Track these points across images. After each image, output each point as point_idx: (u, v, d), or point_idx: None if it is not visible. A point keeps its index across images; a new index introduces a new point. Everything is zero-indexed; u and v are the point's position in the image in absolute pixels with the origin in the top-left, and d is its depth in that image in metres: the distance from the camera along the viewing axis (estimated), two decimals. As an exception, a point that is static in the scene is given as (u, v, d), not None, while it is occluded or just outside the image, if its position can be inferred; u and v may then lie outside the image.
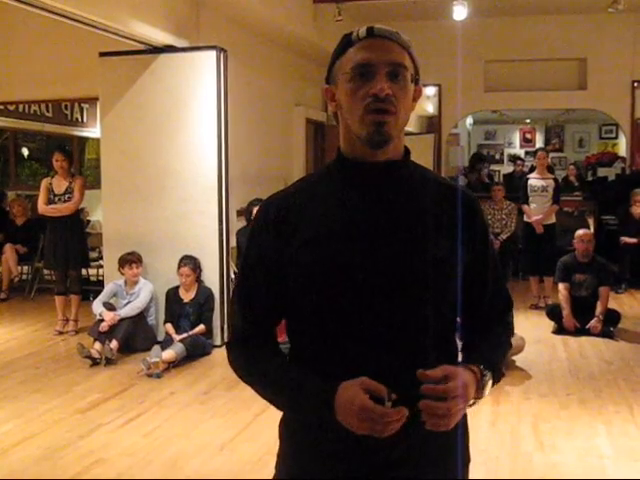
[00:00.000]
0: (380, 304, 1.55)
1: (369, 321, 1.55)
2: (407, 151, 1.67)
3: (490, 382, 1.57)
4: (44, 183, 7.47)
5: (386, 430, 1.43)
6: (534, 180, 8.73)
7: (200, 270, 6.72)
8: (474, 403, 1.56)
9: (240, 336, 1.69)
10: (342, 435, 1.50)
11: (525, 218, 8.78)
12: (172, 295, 6.74)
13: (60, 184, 7.39)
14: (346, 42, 1.60)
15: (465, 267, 1.62)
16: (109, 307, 6.65)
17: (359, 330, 1.55)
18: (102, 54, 6.95)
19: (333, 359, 1.55)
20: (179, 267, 6.64)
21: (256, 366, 1.65)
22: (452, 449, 1.66)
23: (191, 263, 6.63)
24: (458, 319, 1.70)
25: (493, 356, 1.66)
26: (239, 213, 7.71)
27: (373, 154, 1.59)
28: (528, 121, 17.54)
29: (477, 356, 1.62)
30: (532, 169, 12.33)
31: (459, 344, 1.72)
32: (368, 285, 1.55)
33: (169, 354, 6.08)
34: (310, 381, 1.55)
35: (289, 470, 1.70)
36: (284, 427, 1.71)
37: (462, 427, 1.68)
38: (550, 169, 9.27)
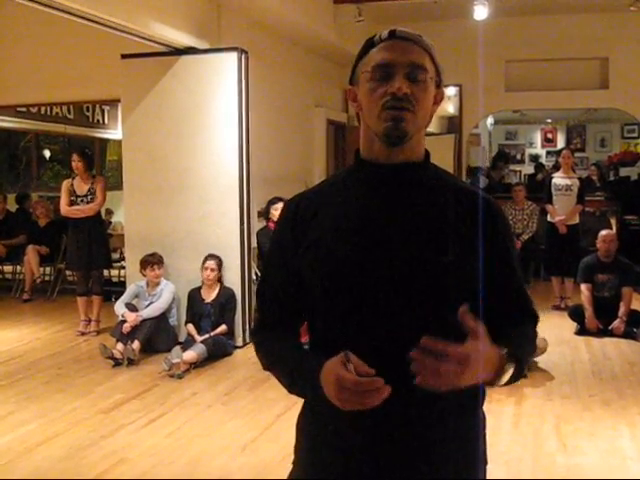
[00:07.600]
0: (384, 305, 1.55)
1: (374, 322, 1.55)
2: (427, 154, 1.67)
3: (510, 372, 1.48)
4: (65, 185, 7.56)
5: (364, 401, 1.38)
6: (558, 179, 8.64)
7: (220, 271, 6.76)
8: (489, 384, 1.48)
9: (257, 324, 1.77)
10: (357, 430, 1.52)
11: (549, 218, 8.69)
12: (194, 295, 6.78)
13: (81, 185, 7.47)
14: (369, 44, 1.63)
15: (482, 273, 1.58)
16: (131, 308, 6.68)
17: (365, 330, 1.56)
18: (124, 56, 7.01)
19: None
20: (205, 261, 6.68)
21: (271, 351, 1.71)
22: (471, 448, 1.65)
23: (217, 259, 6.69)
24: None
25: (519, 349, 1.56)
26: (260, 214, 7.73)
27: (391, 154, 1.60)
28: (549, 121, 17.42)
29: (506, 342, 1.51)
30: (554, 168, 12.27)
31: None
32: (372, 285, 1.55)
33: (190, 355, 6.10)
34: (307, 360, 1.59)
35: (306, 465, 1.71)
36: (301, 422, 1.73)
37: (481, 427, 1.67)
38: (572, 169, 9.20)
